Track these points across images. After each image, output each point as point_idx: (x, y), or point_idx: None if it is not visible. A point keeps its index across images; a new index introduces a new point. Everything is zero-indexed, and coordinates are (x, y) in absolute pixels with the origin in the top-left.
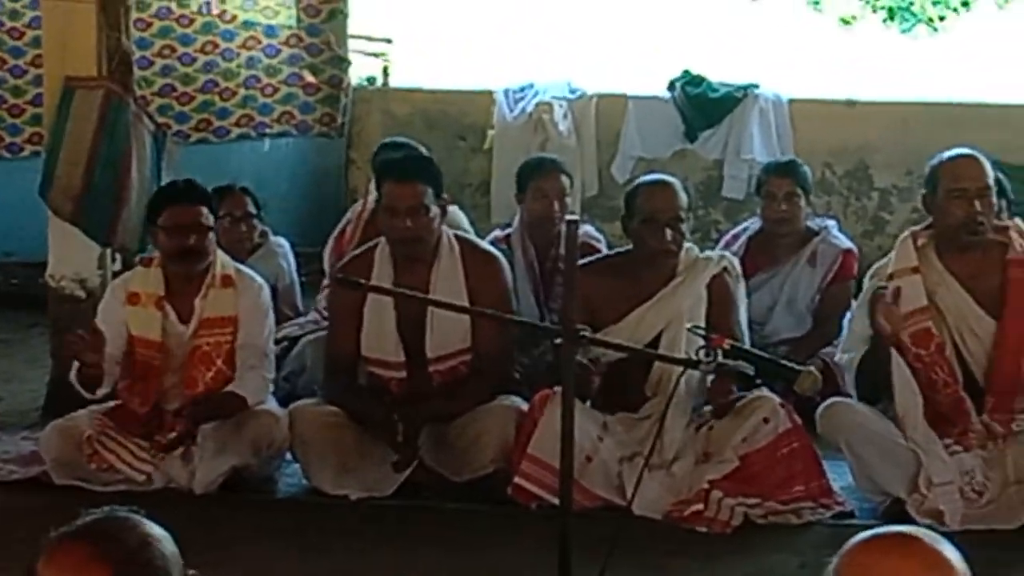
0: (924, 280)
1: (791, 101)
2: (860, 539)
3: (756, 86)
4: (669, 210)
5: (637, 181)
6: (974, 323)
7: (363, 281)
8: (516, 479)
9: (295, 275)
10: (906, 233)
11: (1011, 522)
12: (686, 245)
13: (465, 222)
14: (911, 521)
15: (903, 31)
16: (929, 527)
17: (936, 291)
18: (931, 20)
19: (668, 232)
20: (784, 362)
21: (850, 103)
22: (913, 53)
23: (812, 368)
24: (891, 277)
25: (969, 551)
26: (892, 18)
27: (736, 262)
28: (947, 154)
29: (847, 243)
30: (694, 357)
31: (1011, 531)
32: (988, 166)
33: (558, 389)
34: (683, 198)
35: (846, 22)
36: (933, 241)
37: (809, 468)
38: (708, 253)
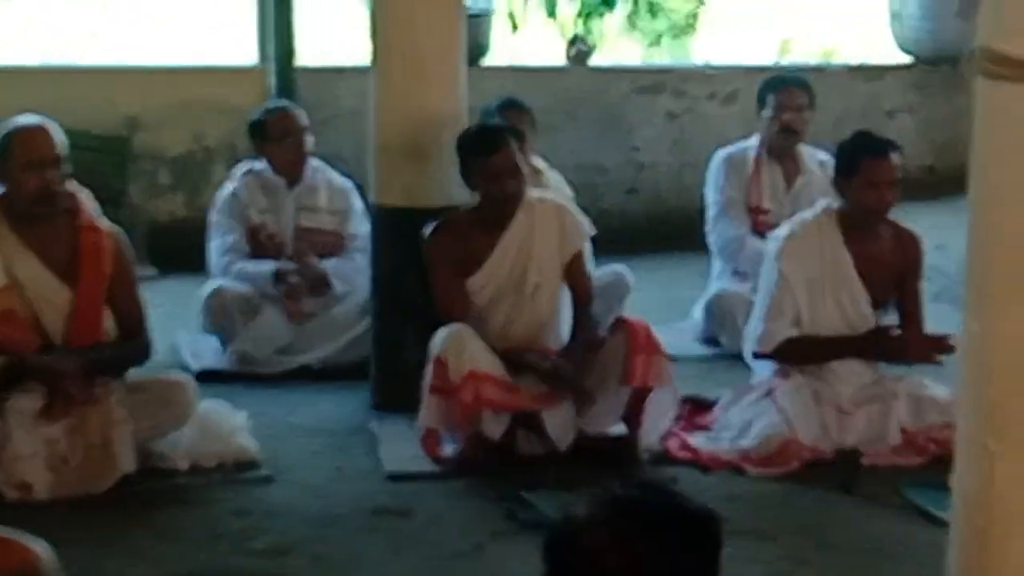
0: (1, 256)
1: None
2: None
3: None
4: None
5: None
6: (52, 295)
7: None
8: None
9: None
10: None
11: (98, 486)
12: None
13: None
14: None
15: None
16: (20, 499)
17: (13, 264)
18: None
19: None
20: None
21: None
22: None
23: None
24: None
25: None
26: None
27: None
28: (19, 123)
29: None
30: None
31: None
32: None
33: None
34: None
35: None
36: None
37: None
38: None
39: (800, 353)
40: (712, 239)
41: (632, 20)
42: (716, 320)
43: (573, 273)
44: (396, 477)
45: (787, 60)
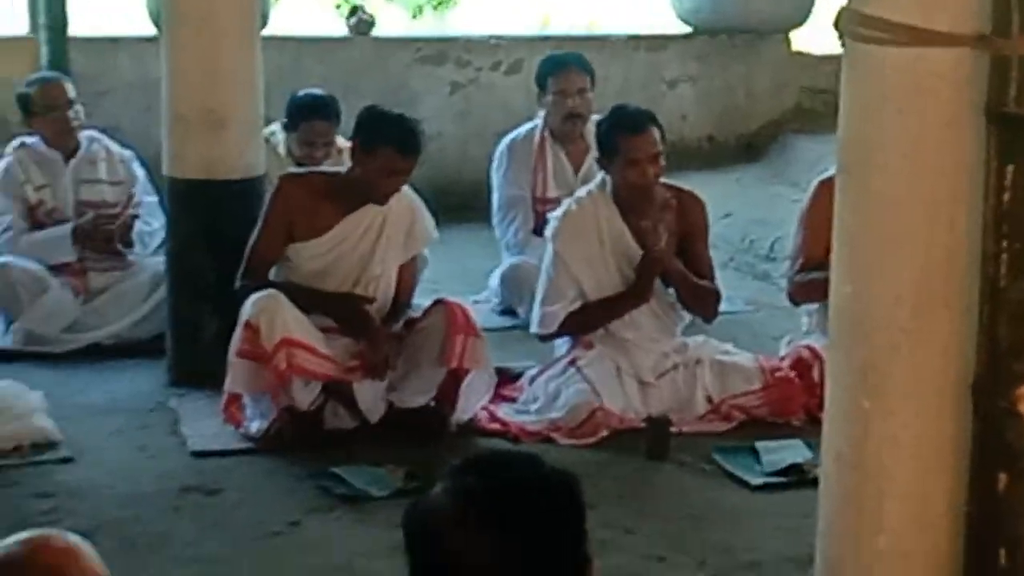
0: None
1: None
2: None
3: None
4: None
5: None
6: None
7: None
8: None
9: None
10: None
11: None
12: None
13: None
14: None
15: None
16: None
17: None
18: None
19: None
20: None
21: None
22: None
23: None
24: None
25: None
26: None
27: None
28: None
29: None
30: None
31: None
32: None
33: None
34: None
35: None
36: None
37: None
38: None
39: (583, 322)
40: (498, 233)
41: None
42: (512, 291)
43: (403, 272)
44: (201, 454)
45: (562, 31)
